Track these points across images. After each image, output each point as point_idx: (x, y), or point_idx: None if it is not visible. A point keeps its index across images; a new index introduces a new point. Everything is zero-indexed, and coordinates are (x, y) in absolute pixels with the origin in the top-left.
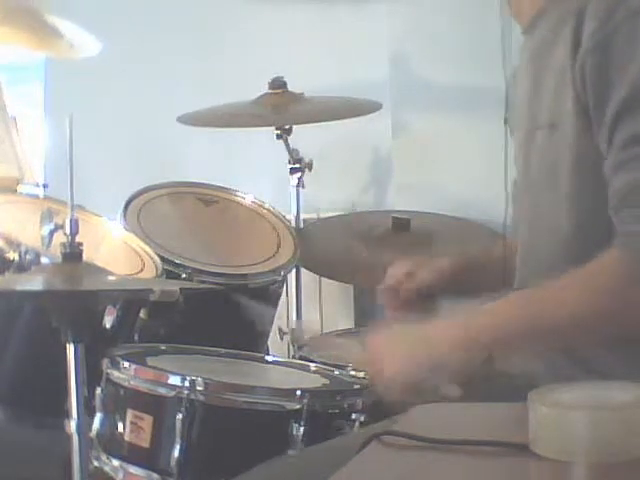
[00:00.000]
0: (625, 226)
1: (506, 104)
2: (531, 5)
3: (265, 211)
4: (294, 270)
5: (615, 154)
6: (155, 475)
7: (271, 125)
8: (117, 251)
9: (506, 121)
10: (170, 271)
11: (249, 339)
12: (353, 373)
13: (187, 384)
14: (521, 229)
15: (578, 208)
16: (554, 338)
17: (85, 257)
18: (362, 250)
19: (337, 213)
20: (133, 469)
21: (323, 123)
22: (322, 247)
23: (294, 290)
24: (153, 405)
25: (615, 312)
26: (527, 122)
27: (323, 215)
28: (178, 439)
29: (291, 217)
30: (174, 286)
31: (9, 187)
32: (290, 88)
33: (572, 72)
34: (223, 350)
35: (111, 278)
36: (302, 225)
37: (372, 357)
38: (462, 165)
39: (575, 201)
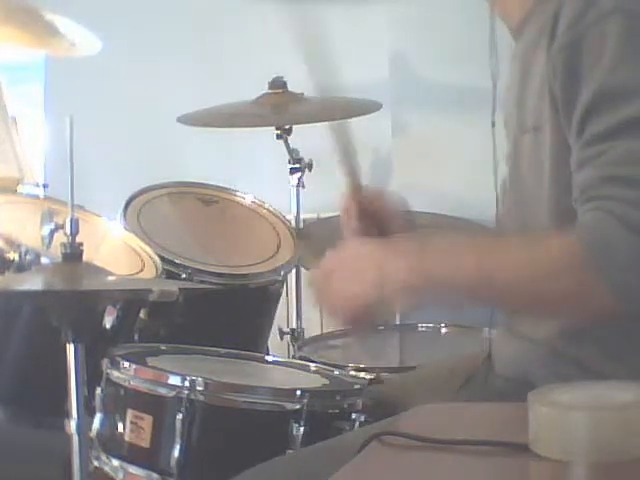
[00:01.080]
0: (583, 217)
1: (493, 107)
2: (519, 8)
3: (265, 211)
4: (294, 270)
5: (581, 150)
6: (155, 475)
7: (271, 125)
8: (117, 251)
9: (493, 124)
10: (170, 271)
11: (249, 339)
12: (353, 373)
13: (187, 384)
14: (512, 227)
15: (558, 207)
16: (496, 298)
17: (85, 257)
18: None
19: (337, 213)
20: (133, 469)
21: (323, 123)
22: (322, 247)
23: (294, 290)
24: (153, 405)
25: (557, 291)
26: (516, 126)
27: (323, 215)
28: (178, 439)
29: (291, 217)
30: (173, 286)
31: (9, 187)
32: (290, 88)
33: (547, 71)
34: (223, 350)
35: (111, 278)
36: (302, 225)
37: (325, 274)
38: (462, 165)
39: (555, 200)
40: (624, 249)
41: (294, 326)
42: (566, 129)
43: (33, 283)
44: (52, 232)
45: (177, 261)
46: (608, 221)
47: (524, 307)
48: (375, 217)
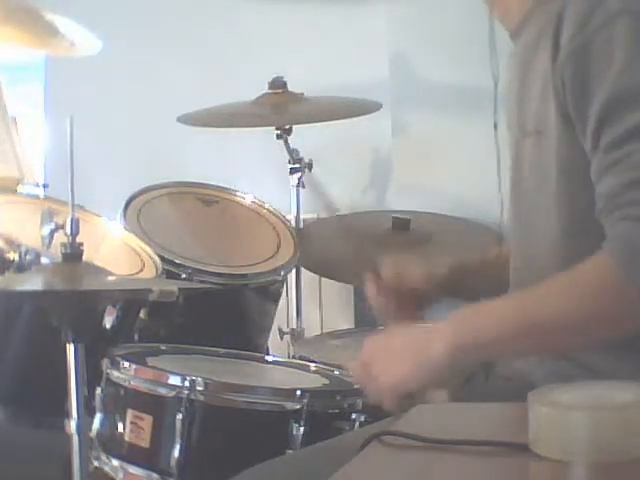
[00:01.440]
0: (613, 228)
1: (494, 108)
2: (518, 9)
3: (265, 211)
4: (294, 270)
5: (599, 159)
6: (155, 475)
7: (271, 125)
8: (117, 251)
9: (495, 126)
10: (170, 271)
11: (249, 339)
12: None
13: (187, 384)
14: (514, 231)
15: (565, 211)
16: (546, 341)
17: (85, 257)
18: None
19: (337, 213)
20: (133, 469)
21: (323, 123)
22: (322, 247)
23: (294, 290)
24: (153, 405)
25: (603, 315)
26: (517, 128)
27: (323, 215)
28: (178, 439)
29: (291, 217)
30: (173, 286)
31: (9, 187)
32: (290, 88)
33: (553, 78)
34: (223, 350)
35: (111, 278)
36: (302, 225)
37: (365, 363)
38: (462, 165)
39: (562, 204)
40: None
41: (294, 326)
42: (580, 136)
43: (33, 283)
44: (52, 232)
45: (177, 261)
46: (637, 228)
47: (575, 340)
48: (400, 289)
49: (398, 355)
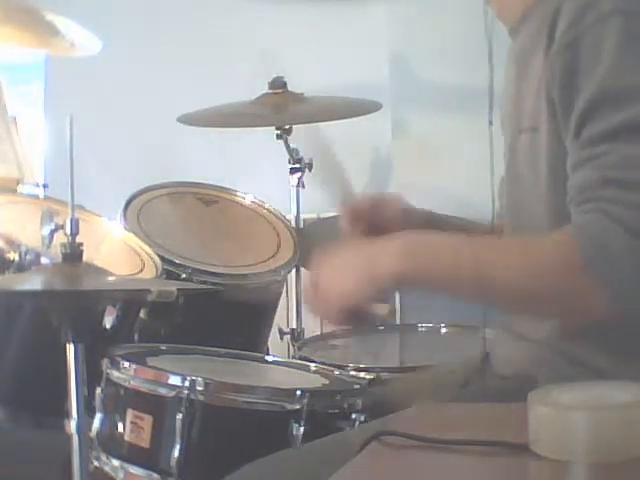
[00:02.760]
0: (580, 217)
1: (490, 106)
2: (517, 6)
3: (265, 211)
4: (294, 270)
5: (577, 151)
6: (155, 475)
7: (271, 125)
8: (117, 251)
9: (491, 123)
10: (170, 271)
11: (249, 339)
12: (353, 373)
13: (187, 384)
14: (510, 227)
15: (555, 208)
16: (488, 296)
17: (85, 257)
18: None
19: (337, 213)
20: (133, 469)
21: (323, 123)
22: (322, 247)
23: (294, 290)
24: (153, 405)
25: (550, 289)
26: (513, 125)
27: (323, 215)
28: (178, 439)
29: (291, 217)
30: (173, 286)
31: (9, 187)
32: (290, 88)
33: (544, 71)
34: (223, 350)
35: (111, 278)
36: (302, 225)
37: (315, 280)
38: (462, 165)
39: (552, 201)
40: (622, 251)
41: (294, 326)
42: (563, 130)
43: (33, 283)
44: (52, 232)
45: (177, 261)
46: (606, 223)
47: (518, 305)
48: (374, 222)
49: (346, 267)
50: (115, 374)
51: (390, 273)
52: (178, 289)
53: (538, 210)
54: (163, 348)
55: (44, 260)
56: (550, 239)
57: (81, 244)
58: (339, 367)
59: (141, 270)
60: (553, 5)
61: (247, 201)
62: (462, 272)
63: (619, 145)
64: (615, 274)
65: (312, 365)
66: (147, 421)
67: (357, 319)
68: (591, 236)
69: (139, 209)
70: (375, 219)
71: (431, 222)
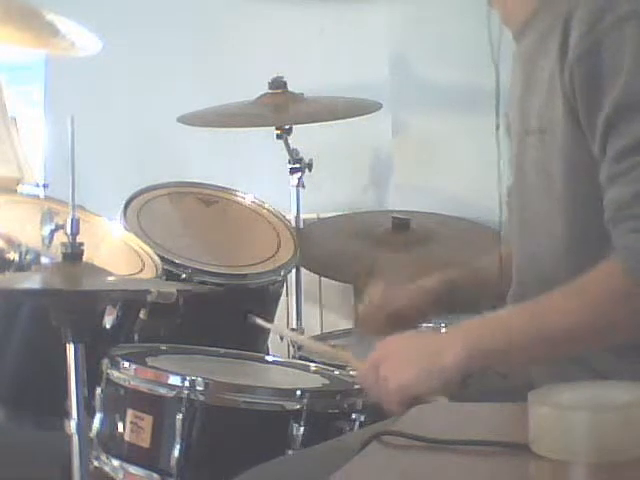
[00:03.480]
0: (622, 239)
1: (497, 110)
2: (521, 10)
3: (265, 211)
4: (294, 270)
5: (610, 165)
6: (155, 475)
7: (271, 125)
8: (117, 251)
9: (497, 127)
10: (170, 271)
11: (249, 339)
12: (353, 373)
13: (187, 384)
14: (517, 234)
15: (573, 213)
16: (556, 349)
17: (85, 257)
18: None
19: (337, 213)
20: (133, 469)
21: (323, 123)
22: (322, 247)
23: (294, 290)
24: (153, 405)
25: (613, 322)
26: (519, 127)
27: (323, 215)
28: (178, 439)
29: (291, 217)
30: (173, 287)
31: (9, 187)
32: (290, 88)
33: (561, 79)
34: (223, 350)
35: (111, 278)
36: (302, 225)
37: (375, 364)
38: (462, 165)
39: (569, 206)
40: None
41: (294, 326)
42: (590, 140)
43: (33, 283)
44: (52, 232)
45: (177, 261)
46: None
47: (585, 348)
48: (392, 315)
49: (408, 359)
50: (115, 374)
51: (457, 363)
52: (178, 290)
53: (548, 209)
54: (163, 348)
55: (44, 260)
56: (598, 270)
57: (81, 244)
58: (339, 367)
59: (141, 270)
60: (562, 9)
61: (247, 201)
62: (522, 338)
63: None
64: None
65: (312, 365)
66: (147, 421)
67: (415, 405)
68: (633, 256)
69: (139, 209)
70: (390, 312)
71: (445, 287)
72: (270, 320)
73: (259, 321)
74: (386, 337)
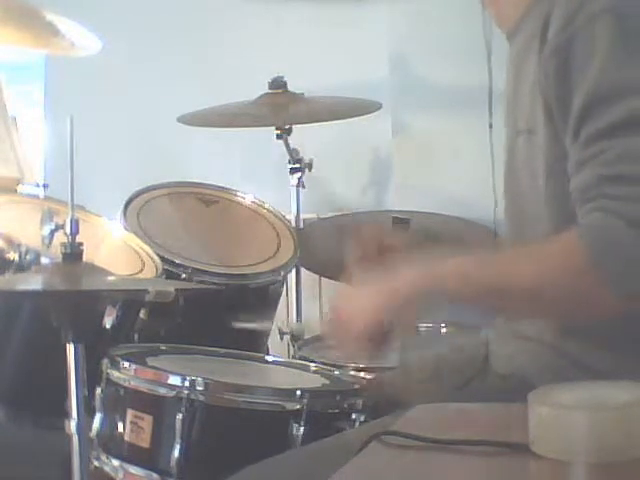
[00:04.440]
0: (586, 218)
1: (489, 110)
2: (513, 12)
3: (265, 211)
4: (294, 270)
5: (578, 151)
6: (155, 475)
7: (271, 125)
8: (117, 251)
9: (490, 126)
10: (170, 271)
11: (249, 339)
12: (353, 373)
13: (187, 384)
14: (510, 228)
15: (556, 211)
16: (506, 305)
17: (85, 257)
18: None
19: (337, 213)
20: (133, 469)
21: (323, 123)
22: (322, 247)
23: (294, 290)
24: (153, 405)
25: (563, 290)
26: (511, 127)
27: (323, 215)
28: (178, 439)
29: (291, 217)
30: (173, 287)
31: (9, 187)
32: (290, 88)
33: (538, 73)
34: (223, 350)
35: (111, 278)
36: (302, 225)
37: (335, 314)
38: (462, 165)
39: (552, 204)
40: (626, 244)
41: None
42: (562, 132)
43: (33, 283)
44: (52, 232)
45: (177, 261)
46: (607, 220)
47: (534, 310)
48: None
49: (364, 297)
50: (115, 374)
51: (407, 286)
52: (177, 289)
53: (537, 210)
54: (163, 348)
55: (44, 260)
56: (557, 243)
57: (81, 244)
58: (339, 367)
59: (141, 270)
60: (545, 9)
61: (247, 201)
62: (475, 287)
63: (616, 141)
64: (622, 268)
65: (312, 365)
66: (147, 421)
67: (377, 344)
68: (595, 235)
69: (139, 209)
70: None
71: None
72: (270, 320)
73: (243, 325)
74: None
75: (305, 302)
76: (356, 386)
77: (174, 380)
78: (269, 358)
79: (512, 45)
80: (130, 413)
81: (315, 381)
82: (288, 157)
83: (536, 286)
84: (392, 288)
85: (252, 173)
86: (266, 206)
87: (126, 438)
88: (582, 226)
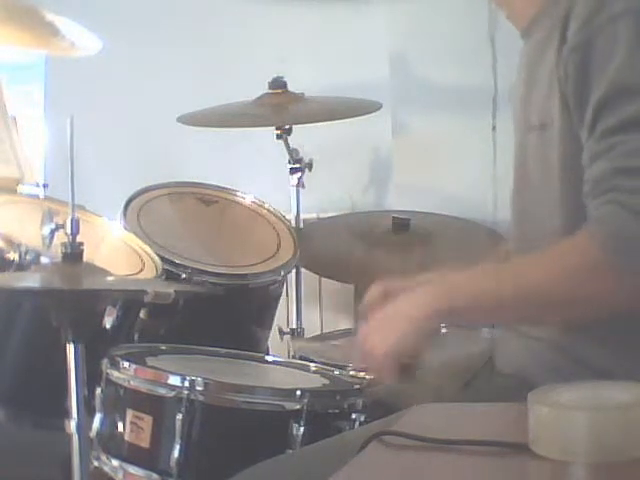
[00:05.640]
0: (598, 211)
1: (493, 111)
2: (528, 9)
3: (265, 211)
4: (294, 270)
5: (592, 144)
6: (155, 475)
7: (271, 125)
8: (117, 251)
9: (494, 128)
10: (170, 271)
11: (249, 339)
12: (353, 373)
13: (187, 384)
14: (517, 225)
15: (569, 207)
16: (523, 313)
17: (85, 257)
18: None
19: (337, 213)
20: (133, 469)
21: (323, 123)
22: (322, 247)
23: (294, 290)
24: (153, 405)
25: (580, 292)
26: (522, 125)
27: (323, 215)
28: (178, 439)
29: (291, 217)
30: (172, 287)
31: (9, 187)
32: (290, 88)
33: (557, 72)
34: (223, 350)
35: (111, 278)
36: (302, 225)
37: (362, 341)
38: (462, 165)
39: (566, 200)
40: (638, 236)
41: (294, 326)
42: (578, 126)
43: (33, 283)
44: (52, 232)
45: (177, 261)
46: (620, 213)
47: (557, 313)
48: None
49: (386, 326)
50: (115, 374)
51: (430, 313)
52: (177, 290)
53: (550, 207)
54: (163, 348)
55: (44, 260)
56: (571, 241)
57: (81, 244)
58: (339, 367)
59: (141, 270)
60: (563, 7)
61: (247, 201)
62: (491, 298)
63: (632, 136)
64: (637, 261)
65: (312, 365)
66: (147, 421)
67: (405, 372)
68: (608, 229)
69: (139, 209)
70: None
71: None
72: (270, 320)
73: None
74: None
75: (305, 302)
76: (356, 386)
77: (174, 380)
78: (269, 358)
79: (527, 44)
80: (130, 413)
81: (315, 381)
82: (288, 157)
83: (553, 287)
84: (416, 316)
85: (252, 173)
86: (266, 206)
87: (126, 438)
88: (594, 220)
